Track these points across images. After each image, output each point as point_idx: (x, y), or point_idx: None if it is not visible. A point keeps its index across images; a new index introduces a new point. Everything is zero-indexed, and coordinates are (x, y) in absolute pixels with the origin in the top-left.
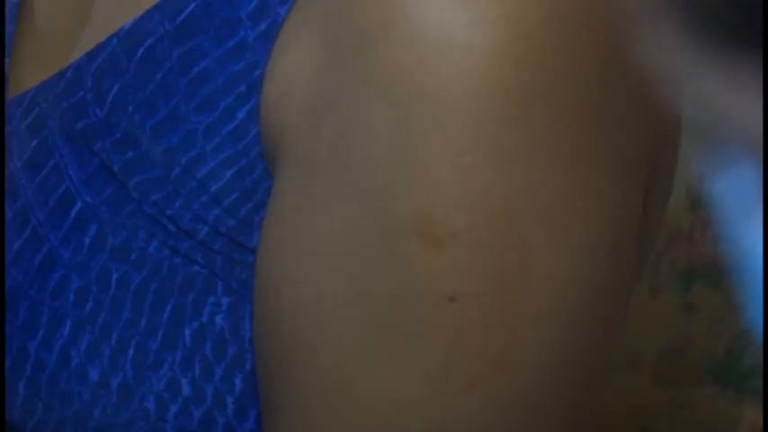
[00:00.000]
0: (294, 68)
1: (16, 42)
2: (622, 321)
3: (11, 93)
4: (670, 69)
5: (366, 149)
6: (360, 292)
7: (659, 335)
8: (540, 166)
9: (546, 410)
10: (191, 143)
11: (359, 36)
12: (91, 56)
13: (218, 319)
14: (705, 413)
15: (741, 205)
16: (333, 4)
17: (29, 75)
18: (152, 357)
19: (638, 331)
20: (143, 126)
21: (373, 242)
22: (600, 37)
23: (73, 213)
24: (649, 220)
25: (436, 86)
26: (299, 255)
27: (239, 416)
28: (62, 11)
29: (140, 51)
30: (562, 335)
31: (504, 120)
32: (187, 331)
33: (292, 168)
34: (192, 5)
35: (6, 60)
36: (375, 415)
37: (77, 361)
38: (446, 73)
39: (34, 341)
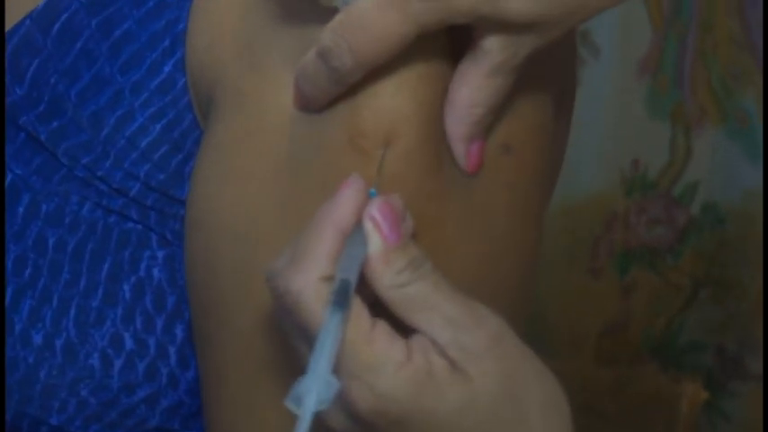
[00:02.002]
0: (221, 15)
1: None
2: (540, 220)
3: None
4: None
5: None
6: (297, 206)
7: (600, 315)
8: None
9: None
10: (118, 102)
11: None
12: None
13: (155, 271)
14: (647, 390)
15: None
16: None
17: None
18: (94, 315)
19: (578, 313)
20: (68, 94)
21: (310, 159)
22: None
23: (4, 186)
24: (561, 124)
25: None
26: (241, 180)
27: (182, 365)
28: None
29: (56, 27)
30: (486, 234)
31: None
32: (126, 287)
33: (233, 103)
34: None
35: None
36: None
37: (20, 326)
38: None
39: None
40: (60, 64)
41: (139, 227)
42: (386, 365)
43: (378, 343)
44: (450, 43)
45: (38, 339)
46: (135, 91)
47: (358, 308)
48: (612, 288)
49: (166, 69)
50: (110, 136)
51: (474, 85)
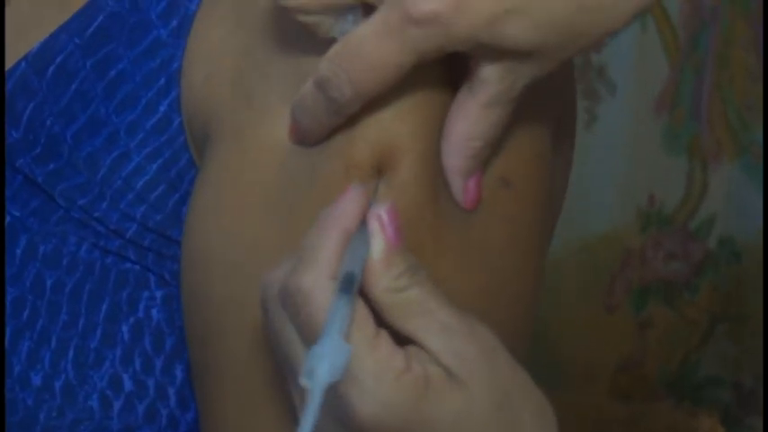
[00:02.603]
0: (218, 50)
1: None
2: (543, 252)
3: None
4: None
5: None
6: (293, 237)
7: (616, 351)
8: None
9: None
10: (114, 143)
11: (266, 14)
12: None
13: (154, 312)
14: (662, 425)
15: None
16: None
17: None
18: (92, 356)
19: (594, 348)
20: (63, 135)
21: (307, 190)
22: None
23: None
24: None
25: None
26: (237, 212)
27: (182, 406)
28: None
29: (51, 69)
30: (485, 266)
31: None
32: (124, 327)
33: (229, 136)
34: (100, 18)
35: None
36: None
37: (19, 368)
38: None
39: None
40: (56, 106)
41: (137, 267)
42: (388, 373)
43: (381, 350)
44: (450, 74)
45: (37, 381)
46: (130, 131)
47: (363, 313)
48: (629, 323)
49: (162, 109)
50: (106, 177)
51: (471, 118)
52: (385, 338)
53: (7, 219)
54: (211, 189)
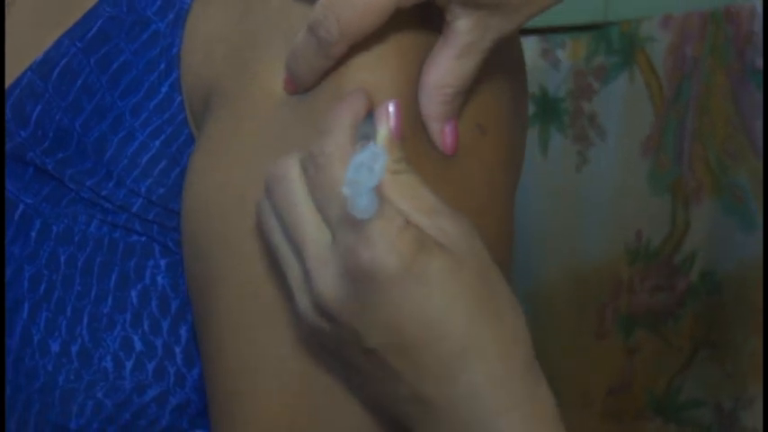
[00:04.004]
0: (214, 32)
1: None
2: (511, 204)
3: None
4: None
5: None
6: None
7: (606, 375)
8: None
9: None
10: (120, 125)
11: None
12: (7, 92)
13: (159, 278)
14: None
15: None
16: None
17: None
18: (105, 321)
19: (586, 372)
20: (72, 126)
21: (297, 135)
22: None
23: (16, 216)
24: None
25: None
26: (229, 164)
27: (187, 363)
28: None
29: (56, 71)
30: (460, 206)
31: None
32: (133, 293)
33: (223, 99)
34: (100, 22)
35: None
36: None
37: (38, 337)
38: None
39: None
40: (63, 101)
41: (143, 238)
42: (391, 227)
43: (387, 211)
44: (435, 25)
45: (55, 347)
46: (135, 112)
47: None
48: (618, 349)
49: (163, 90)
50: (113, 157)
51: (444, 66)
52: (389, 204)
53: (21, 207)
54: (206, 148)
